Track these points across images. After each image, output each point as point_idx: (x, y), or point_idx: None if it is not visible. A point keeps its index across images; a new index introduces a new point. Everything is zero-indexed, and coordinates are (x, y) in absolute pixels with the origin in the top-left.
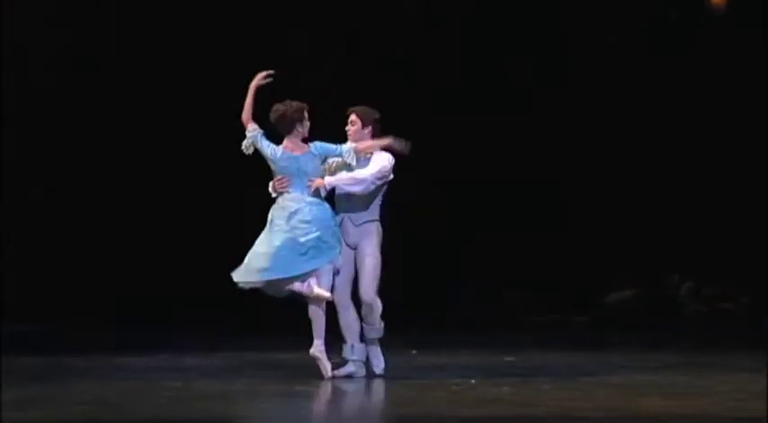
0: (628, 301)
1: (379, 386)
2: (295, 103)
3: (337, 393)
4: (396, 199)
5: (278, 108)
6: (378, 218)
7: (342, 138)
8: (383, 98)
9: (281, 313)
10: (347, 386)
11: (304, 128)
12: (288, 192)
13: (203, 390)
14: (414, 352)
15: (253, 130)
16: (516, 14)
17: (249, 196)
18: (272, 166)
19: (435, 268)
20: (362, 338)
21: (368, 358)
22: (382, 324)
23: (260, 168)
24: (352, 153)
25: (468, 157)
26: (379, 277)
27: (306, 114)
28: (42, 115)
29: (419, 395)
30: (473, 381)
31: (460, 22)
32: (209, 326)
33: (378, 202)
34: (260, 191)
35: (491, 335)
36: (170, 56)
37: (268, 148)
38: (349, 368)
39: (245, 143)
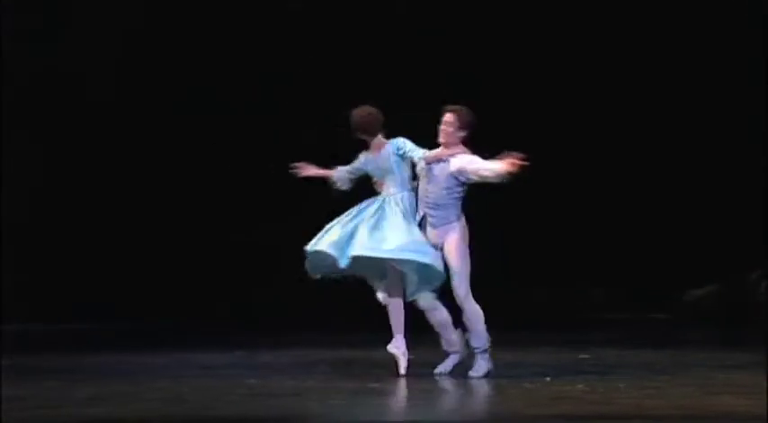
0: (706, 299)
1: (451, 384)
2: (368, 109)
3: (410, 391)
4: (474, 198)
5: (356, 113)
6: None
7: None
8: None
9: (353, 310)
10: (419, 384)
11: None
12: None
13: (277, 387)
14: None
15: (338, 172)
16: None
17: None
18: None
19: (509, 265)
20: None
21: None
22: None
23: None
24: (422, 163)
25: (546, 157)
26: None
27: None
28: (45, 117)
29: (493, 393)
30: (547, 378)
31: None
32: (281, 323)
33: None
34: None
35: (566, 332)
36: (171, 56)
37: (358, 163)
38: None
39: (336, 181)
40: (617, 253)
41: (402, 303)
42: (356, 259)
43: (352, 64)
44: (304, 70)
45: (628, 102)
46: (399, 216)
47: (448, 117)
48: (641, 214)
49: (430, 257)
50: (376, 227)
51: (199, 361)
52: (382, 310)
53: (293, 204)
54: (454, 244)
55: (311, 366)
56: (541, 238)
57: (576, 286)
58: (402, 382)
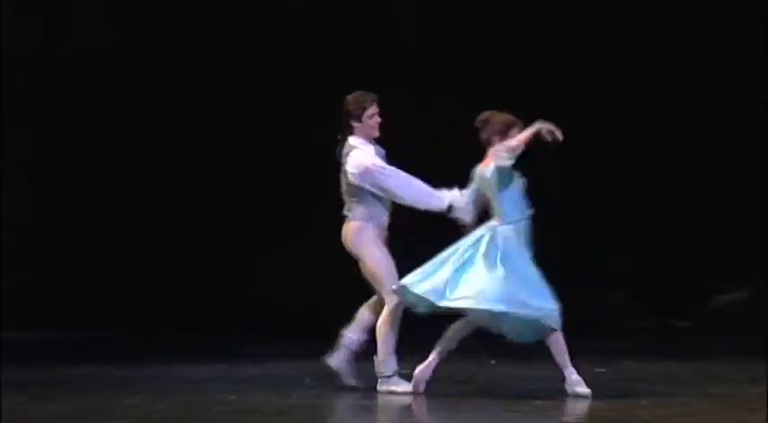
0: (734, 305)
1: (454, 400)
2: (503, 116)
3: (404, 408)
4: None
5: (485, 115)
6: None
7: None
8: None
9: (342, 321)
10: (416, 401)
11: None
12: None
13: (260, 403)
14: (492, 362)
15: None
16: None
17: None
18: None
19: None
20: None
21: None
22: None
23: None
24: None
25: (560, 153)
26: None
27: (510, 132)
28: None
29: (501, 411)
30: None
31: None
32: (267, 333)
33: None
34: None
35: (580, 342)
36: (171, 56)
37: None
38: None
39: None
40: (636, 254)
41: None
42: None
43: (352, 64)
44: (304, 70)
45: (651, 100)
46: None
47: None
48: (663, 212)
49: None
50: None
51: (179, 374)
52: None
53: (288, 207)
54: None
55: (298, 380)
56: (552, 238)
57: (591, 290)
58: (395, 399)
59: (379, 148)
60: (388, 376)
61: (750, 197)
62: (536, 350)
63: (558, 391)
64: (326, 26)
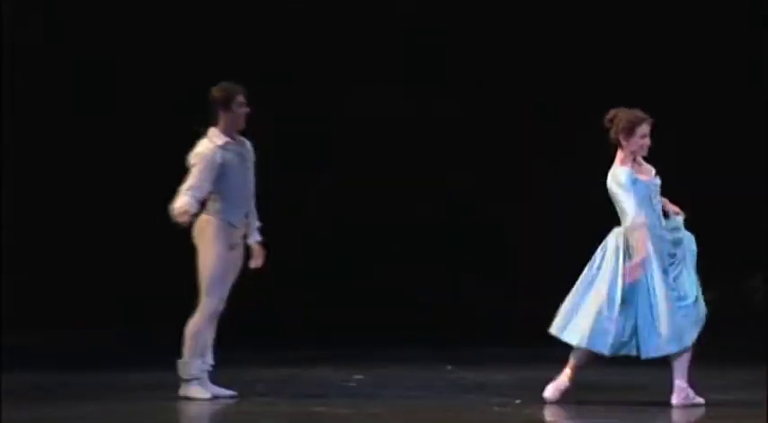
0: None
1: (409, 407)
2: (628, 113)
3: (358, 416)
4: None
5: (612, 113)
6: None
7: None
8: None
9: (295, 325)
10: (369, 408)
11: (629, 143)
12: None
13: (206, 410)
14: (449, 367)
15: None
16: None
17: None
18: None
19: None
20: None
21: None
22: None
23: None
24: None
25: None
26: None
27: (637, 129)
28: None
29: (455, 418)
30: (517, 401)
31: None
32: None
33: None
34: None
35: (538, 347)
36: (171, 56)
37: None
38: None
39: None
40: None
41: None
42: None
43: (352, 63)
44: (304, 70)
45: (650, 101)
46: None
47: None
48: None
49: None
50: None
51: (136, 381)
52: (325, 325)
53: (288, 207)
54: None
55: (246, 386)
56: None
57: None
58: (347, 405)
59: (240, 140)
60: (187, 380)
61: (750, 197)
62: (491, 356)
63: (517, 397)
64: (326, 26)
